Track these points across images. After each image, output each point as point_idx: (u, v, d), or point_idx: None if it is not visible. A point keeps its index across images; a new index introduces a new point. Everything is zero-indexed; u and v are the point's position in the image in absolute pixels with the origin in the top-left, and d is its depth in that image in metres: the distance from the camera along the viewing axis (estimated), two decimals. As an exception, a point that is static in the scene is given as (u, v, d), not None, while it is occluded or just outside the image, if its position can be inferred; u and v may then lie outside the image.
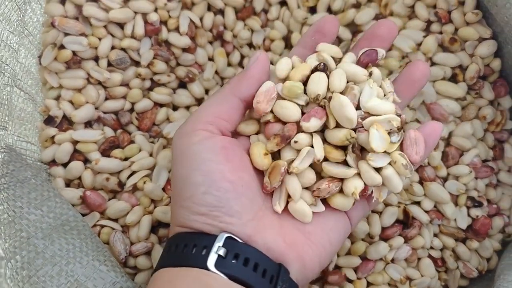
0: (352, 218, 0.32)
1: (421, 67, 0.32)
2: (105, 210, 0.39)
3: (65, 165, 0.40)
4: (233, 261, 0.26)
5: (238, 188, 0.28)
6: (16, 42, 0.32)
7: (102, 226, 0.39)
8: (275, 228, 0.29)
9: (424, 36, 0.42)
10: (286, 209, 0.30)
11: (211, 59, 0.46)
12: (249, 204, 0.28)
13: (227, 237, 0.27)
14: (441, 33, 0.42)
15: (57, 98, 0.42)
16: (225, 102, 0.30)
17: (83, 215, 0.39)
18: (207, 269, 0.26)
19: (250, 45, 0.47)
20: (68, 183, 0.40)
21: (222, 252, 0.26)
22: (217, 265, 0.26)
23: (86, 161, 0.41)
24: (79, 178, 0.40)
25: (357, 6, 0.45)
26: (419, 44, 0.42)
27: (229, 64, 0.46)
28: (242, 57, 0.47)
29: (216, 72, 0.46)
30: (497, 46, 0.41)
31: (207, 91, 0.45)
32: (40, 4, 0.39)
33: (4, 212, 0.31)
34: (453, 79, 0.42)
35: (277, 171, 0.29)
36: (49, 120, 0.40)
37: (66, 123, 0.41)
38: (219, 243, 0.26)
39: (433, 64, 0.42)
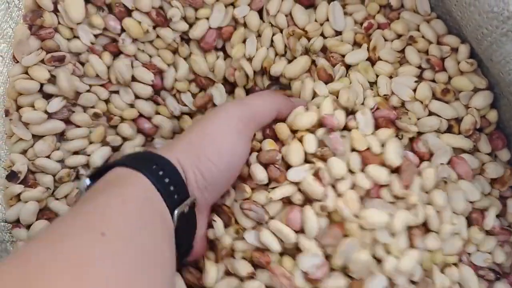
0: None
1: None
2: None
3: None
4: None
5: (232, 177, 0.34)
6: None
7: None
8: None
9: (416, 81, 0.39)
10: None
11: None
12: (226, 181, 0.34)
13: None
14: (433, 80, 0.40)
15: (24, 152, 0.39)
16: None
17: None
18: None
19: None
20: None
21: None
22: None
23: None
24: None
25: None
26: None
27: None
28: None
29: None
30: (493, 97, 0.38)
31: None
32: (1, 56, 0.36)
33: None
34: (449, 130, 0.39)
35: None
36: (12, 176, 0.38)
37: (32, 178, 0.39)
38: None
39: (430, 114, 0.39)
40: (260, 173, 0.34)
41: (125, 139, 0.43)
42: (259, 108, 0.35)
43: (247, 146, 0.34)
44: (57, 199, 0.40)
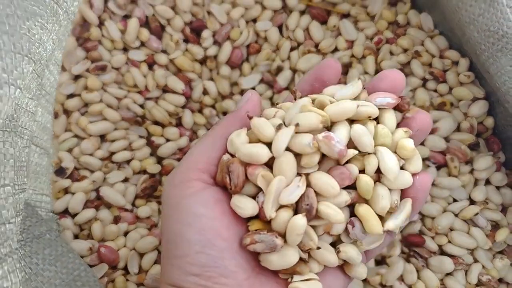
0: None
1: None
2: (118, 263, 0.41)
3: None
4: None
5: (233, 246, 0.26)
6: (34, 105, 0.34)
7: (113, 280, 0.40)
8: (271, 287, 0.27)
9: (411, 90, 0.44)
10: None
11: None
12: (245, 262, 0.27)
13: None
14: (435, 90, 0.45)
15: (70, 150, 0.44)
16: (216, 145, 0.28)
17: (92, 265, 0.41)
18: None
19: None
20: (76, 234, 0.42)
21: None
22: None
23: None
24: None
25: (349, 65, 0.47)
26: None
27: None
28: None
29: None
30: (488, 106, 0.43)
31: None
32: (58, 65, 0.41)
33: (22, 270, 0.32)
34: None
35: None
36: (60, 172, 0.42)
37: (77, 173, 0.43)
38: None
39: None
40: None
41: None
42: (192, 156, 0.28)
43: (202, 198, 0.26)
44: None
